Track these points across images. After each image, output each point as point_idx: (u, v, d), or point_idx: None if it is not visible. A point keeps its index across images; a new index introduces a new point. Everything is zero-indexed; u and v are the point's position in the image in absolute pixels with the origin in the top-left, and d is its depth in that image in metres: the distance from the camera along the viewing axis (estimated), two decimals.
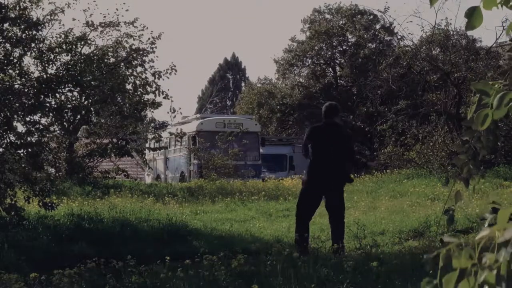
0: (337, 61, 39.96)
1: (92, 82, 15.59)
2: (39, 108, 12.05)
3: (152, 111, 22.04)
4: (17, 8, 12.93)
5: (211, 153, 25.66)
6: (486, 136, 2.36)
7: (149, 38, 20.94)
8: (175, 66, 21.30)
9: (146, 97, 20.05)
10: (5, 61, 11.91)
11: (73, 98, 15.21)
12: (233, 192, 18.38)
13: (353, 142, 11.05)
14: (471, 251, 1.29)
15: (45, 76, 13.87)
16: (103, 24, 20.77)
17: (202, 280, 7.08)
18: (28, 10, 13.12)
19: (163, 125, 32.57)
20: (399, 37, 28.88)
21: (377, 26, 38.41)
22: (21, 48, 12.35)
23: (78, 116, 17.44)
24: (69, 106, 14.49)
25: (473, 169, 2.52)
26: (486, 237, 1.28)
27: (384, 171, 23.16)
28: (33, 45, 12.83)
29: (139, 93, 19.65)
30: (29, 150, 11.47)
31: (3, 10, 11.69)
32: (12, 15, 12.18)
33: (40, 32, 13.35)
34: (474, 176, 2.63)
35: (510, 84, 2.21)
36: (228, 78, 70.31)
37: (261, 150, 28.66)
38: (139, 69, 20.50)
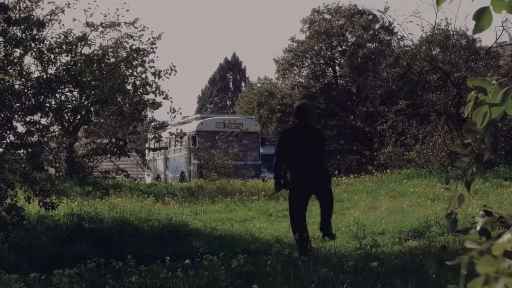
0: (336, 61, 39.97)
1: (92, 82, 15.59)
2: (39, 108, 12.04)
3: (152, 111, 22.04)
4: (17, 8, 12.93)
5: (211, 153, 25.66)
6: (490, 138, 2.35)
7: (149, 38, 20.95)
8: (175, 66, 21.32)
9: (146, 97, 20.06)
10: (5, 61, 11.91)
11: (73, 98, 15.20)
12: (233, 192, 18.38)
13: (325, 144, 10.74)
14: (492, 259, 1.28)
15: (45, 76, 13.87)
16: (103, 24, 20.78)
17: (202, 280, 7.08)
18: (32, 10, 13.16)
19: (163, 125, 32.55)
20: (399, 37, 28.88)
21: (377, 26, 38.44)
22: (21, 48, 12.36)
23: (78, 116, 17.43)
24: (69, 106, 14.48)
25: (476, 172, 2.51)
26: (506, 243, 1.27)
27: (384, 171, 23.16)
28: (33, 45, 12.83)
29: (139, 93, 19.64)
30: (29, 150, 11.46)
31: (4, 11, 11.68)
32: (12, 15, 12.18)
33: (42, 32, 13.36)
34: (476, 178, 2.62)
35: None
36: (228, 78, 70.30)
37: (261, 150, 28.65)
38: (139, 69, 20.51)
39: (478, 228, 2.74)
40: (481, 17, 1.97)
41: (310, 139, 9.43)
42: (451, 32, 27.35)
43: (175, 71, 21.33)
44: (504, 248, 1.34)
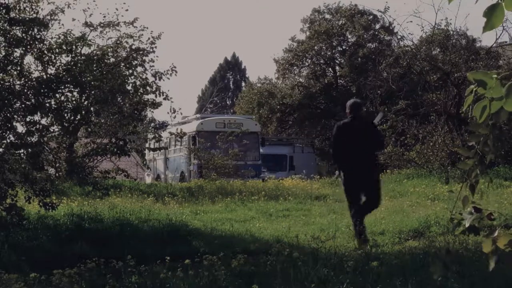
0: (337, 61, 39.97)
1: (92, 82, 15.58)
2: (39, 108, 12.04)
3: (152, 111, 22.02)
4: (17, 8, 12.93)
5: (211, 153, 25.65)
6: (494, 141, 2.34)
7: (149, 38, 20.94)
8: (175, 67, 21.31)
9: (146, 97, 20.05)
10: (6, 61, 11.91)
11: (73, 98, 15.19)
12: (233, 192, 18.36)
13: (381, 137, 11.39)
14: None
15: (45, 76, 13.87)
16: (102, 24, 20.77)
17: (202, 280, 7.08)
18: (37, 12, 13.17)
19: (163, 125, 32.53)
20: (399, 37, 28.90)
21: (377, 26, 38.45)
22: (22, 48, 12.35)
23: (78, 116, 17.42)
24: (69, 106, 14.47)
25: (479, 174, 2.50)
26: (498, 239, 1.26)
27: (384, 171, 23.15)
28: (33, 45, 12.82)
29: (139, 93, 19.63)
30: (29, 150, 11.46)
31: (6, 11, 11.68)
32: (13, 15, 12.18)
33: (43, 32, 13.35)
34: (479, 180, 2.61)
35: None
36: (228, 78, 70.33)
37: (261, 150, 28.63)
38: (139, 69, 20.50)
39: (467, 224, 2.73)
40: (493, 14, 1.89)
41: (364, 134, 10.16)
42: (451, 32, 27.36)
43: (176, 72, 21.34)
44: (494, 244, 1.33)
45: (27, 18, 12.40)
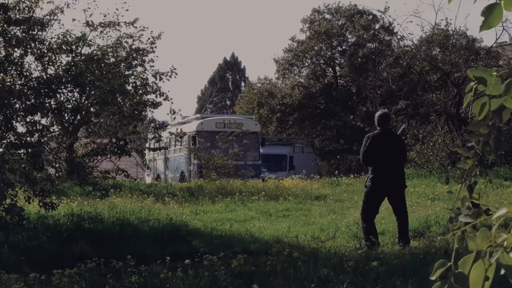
0: (337, 61, 39.98)
1: (92, 82, 15.59)
2: (39, 108, 12.04)
3: (152, 111, 22.03)
4: (17, 8, 12.94)
5: (211, 153, 25.65)
6: (495, 141, 2.33)
7: (149, 38, 20.96)
8: (175, 69, 21.34)
9: (146, 97, 20.06)
10: (6, 62, 11.91)
11: (73, 98, 15.21)
12: (233, 192, 18.36)
13: (406, 150, 11.46)
14: (487, 232, 1.26)
15: (45, 77, 13.87)
16: (103, 24, 20.77)
17: (202, 280, 7.09)
18: (33, 11, 13.17)
19: (163, 125, 32.55)
20: (399, 37, 28.91)
21: (377, 26, 38.46)
22: (22, 48, 12.35)
23: (78, 116, 17.43)
24: (69, 106, 14.49)
25: (479, 174, 2.50)
26: (503, 216, 1.26)
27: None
28: (33, 45, 12.82)
29: (139, 93, 19.64)
30: (29, 150, 11.46)
31: (4, 11, 11.68)
32: (12, 15, 12.18)
33: (42, 32, 13.36)
34: (477, 180, 2.60)
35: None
36: (228, 78, 70.31)
37: (261, 150, 28.62)
38: (139, 69, 20.51)
39: (463, 220, 2.72)
40: (491, 13, 1.90)
41: (394, 145, 10.27)
42: (451, 32, 27.37)
43: (176, 73, 21.36)
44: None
45: (22, 17, 12.39)
